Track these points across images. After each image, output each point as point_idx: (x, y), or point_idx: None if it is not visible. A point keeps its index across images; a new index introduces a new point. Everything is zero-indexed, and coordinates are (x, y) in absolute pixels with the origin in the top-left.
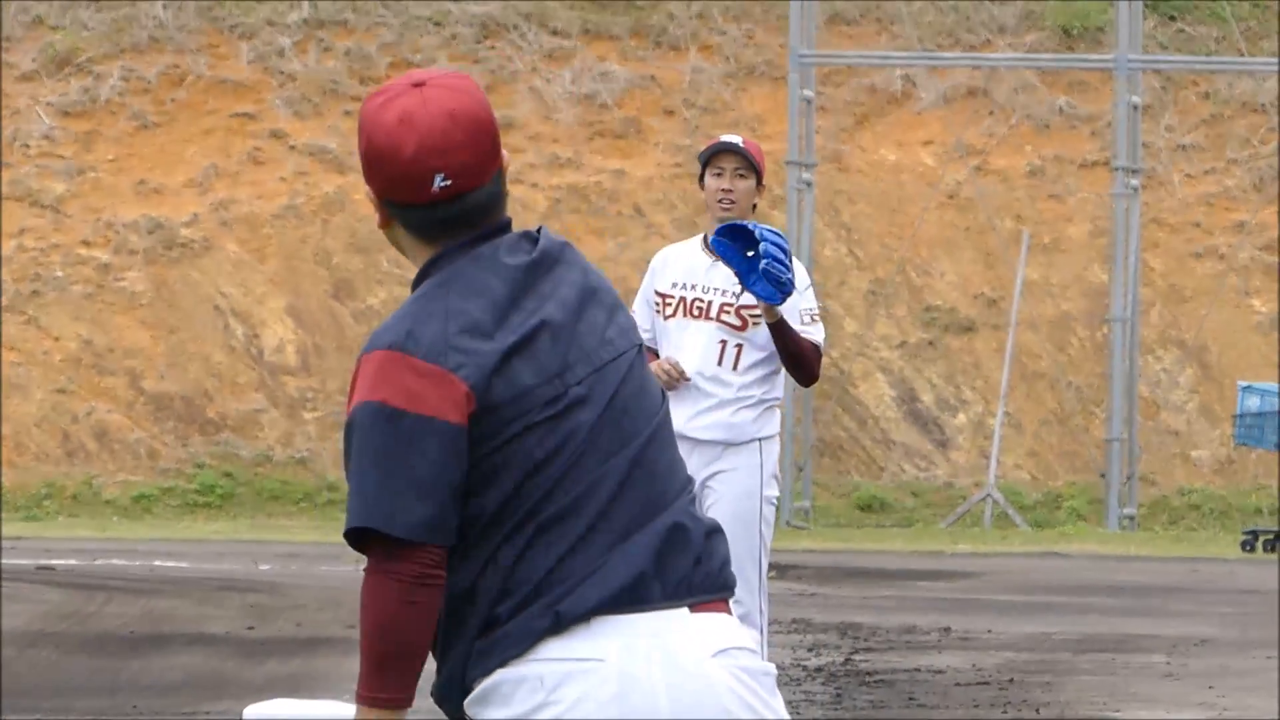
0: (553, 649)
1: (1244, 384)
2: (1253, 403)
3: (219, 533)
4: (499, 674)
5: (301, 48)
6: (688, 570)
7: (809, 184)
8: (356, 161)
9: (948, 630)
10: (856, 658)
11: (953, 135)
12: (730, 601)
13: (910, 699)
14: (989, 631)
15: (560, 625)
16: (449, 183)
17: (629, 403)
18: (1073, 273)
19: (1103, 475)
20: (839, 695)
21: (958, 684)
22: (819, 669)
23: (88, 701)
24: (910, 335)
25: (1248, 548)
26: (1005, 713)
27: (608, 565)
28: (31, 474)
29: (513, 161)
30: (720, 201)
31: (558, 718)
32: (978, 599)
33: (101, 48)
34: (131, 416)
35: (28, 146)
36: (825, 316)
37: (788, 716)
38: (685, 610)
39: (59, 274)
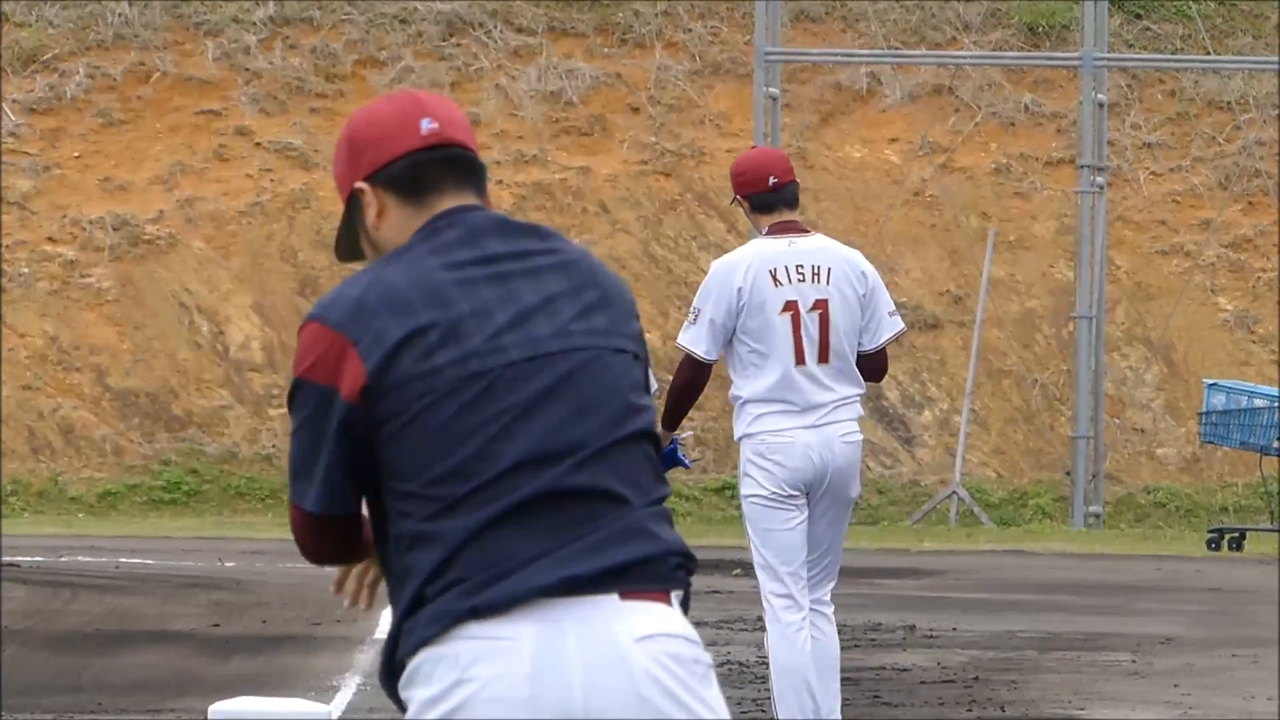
0: (472, 629)
1: (1210, 381)
2: (1218, 400)
3: (184, 529)
4: (422, 654)
5: (267, 45)
6: (625, 563)
7: None
8: (323, 159)
9: (913, 628)
10: None
11: (918, 133)
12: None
13: (875, 697)
14: (954, 629)
15: (480, 610)
16: (436, 125)
17: (586, 401)
18: (1038, 270)
19: (1068, 473)
20: None
21: (923, 682)
22: None
23: (53, 699)
24: None
25: (1213, 546)
26: (970, 711)
27: (536, 552)
28: None
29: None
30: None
31: (472, 695)
32: (943, 597)
33: (67, 45)
34: (97, 413)
35: None
36: None
37: (721, 708)
38: (615, 597)
39: (25, 270)
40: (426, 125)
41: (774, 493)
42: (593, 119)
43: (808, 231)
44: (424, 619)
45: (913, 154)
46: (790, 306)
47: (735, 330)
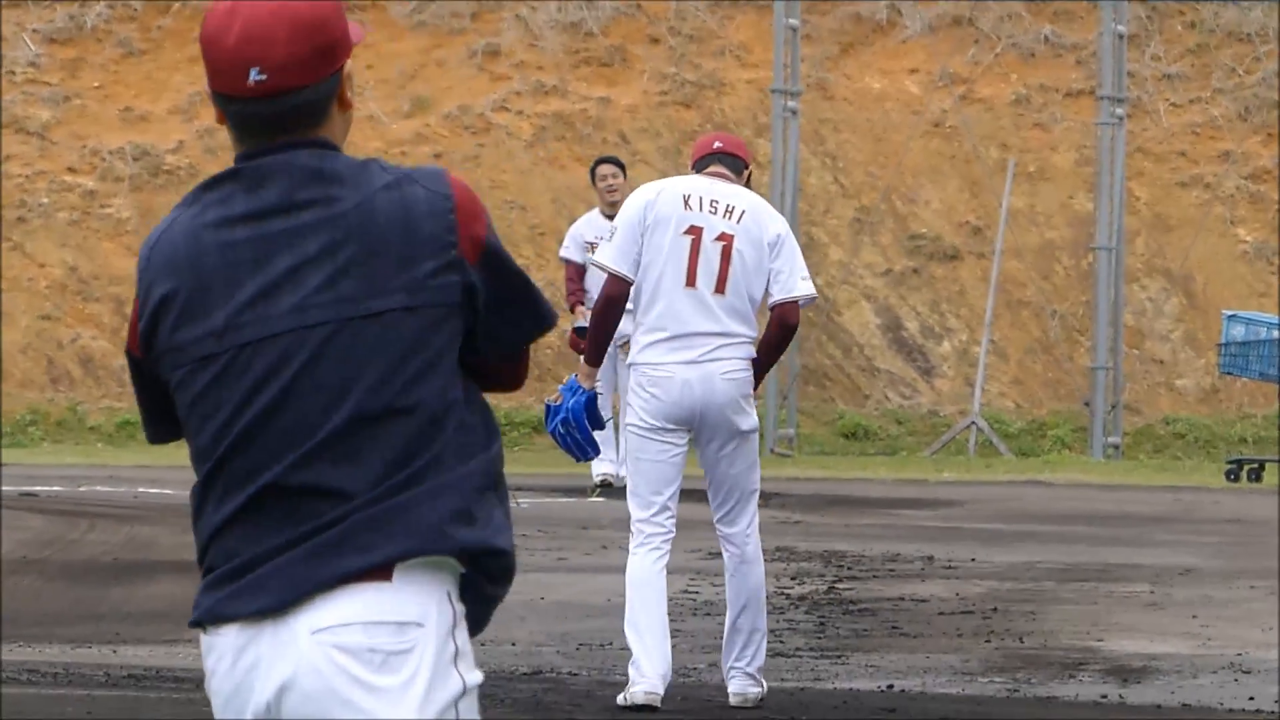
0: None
1: (1229, 313)
2: (1237, 331)
3: None
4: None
5: None
6: (332, 578)
7: (794, 112)
8: None
9: (931, 559)
10: (840, 586)
11: (938, 64)
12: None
13: (893, 628)
14: (972, 560)
15: (199, 623)
16: (264, 78)
17: (316, 385)
18: (1058, 201)
19: (1087, 404)
20: (822, 624)
21: (941, 613)
22: (802, 597)
23: (71, 629)
24: (895, 263)
25: (1232, 477)
26: (989, 641)
27: (257, 552)
28: (16, 401)
29: (498, 89)
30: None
31: (209, 686)
32: (961, 527)
33: None
34: (116, 343)
35: (14, 74)
36: (811, 244)
37: (402, 695)
38: (312, 588)
39: (44, 201)
40: (255, 76)
41: (650, 424)
42: (613, 50)
43: (736, 184)
44: (197, 595)
45: (932, 85)
46: (693, 230)
47: (641, 250)
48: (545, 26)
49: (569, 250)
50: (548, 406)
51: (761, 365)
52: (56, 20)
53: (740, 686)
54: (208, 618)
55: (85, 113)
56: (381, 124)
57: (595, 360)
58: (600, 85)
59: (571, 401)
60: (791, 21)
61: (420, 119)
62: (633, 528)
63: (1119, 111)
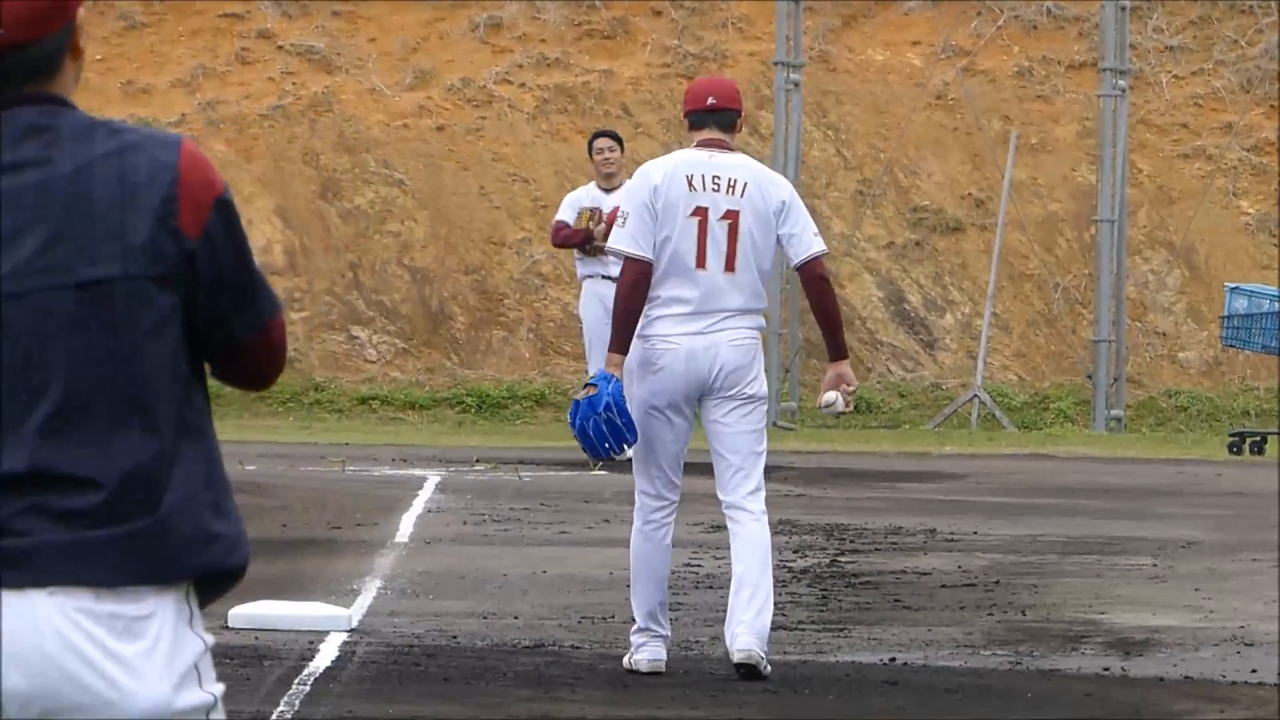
0: None
1: (1231, 285)
2: (1240, 304)
3: None
4: None
5: None
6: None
7: (796, 84)
8: (345, 62)
9: (934, 532)
10: (842, 559)
11: (940, 36)
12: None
13: (896, 601)
14: (975, 533)
15: None
16: (1, 32)
17: (18, 361)
18: (1060, 173)
19: (1090, 376)
20: (825, 597)
21: (944, 586)
22: (805, 570)
23: None
24: (898, 236)
25: (1235, 450)
26: (991, 614)
27: None
28: None
29: (500, 62)
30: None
31: None
32: (964, 500)
33: None
34: None
35: None
36: (813, 217)
37: (141, 664)
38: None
39: None
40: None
41: (658, 400)
42: (615, 22)
43: (733, 150)
44: None
45: (935, 57)
46: (700, 212)
47: (655, 230)
48: None
49: (563, 213)
50: (575, 403)
51: (831, 330)
52: None
53: (745, 644)
54: None
55: (87, 86)
56: (384, 96)
57: (623, 348)
58: (603, 58)
59: (610, 387)
60: None
61: (422, 92)
62: (637, 500)
63: (1121, 83)
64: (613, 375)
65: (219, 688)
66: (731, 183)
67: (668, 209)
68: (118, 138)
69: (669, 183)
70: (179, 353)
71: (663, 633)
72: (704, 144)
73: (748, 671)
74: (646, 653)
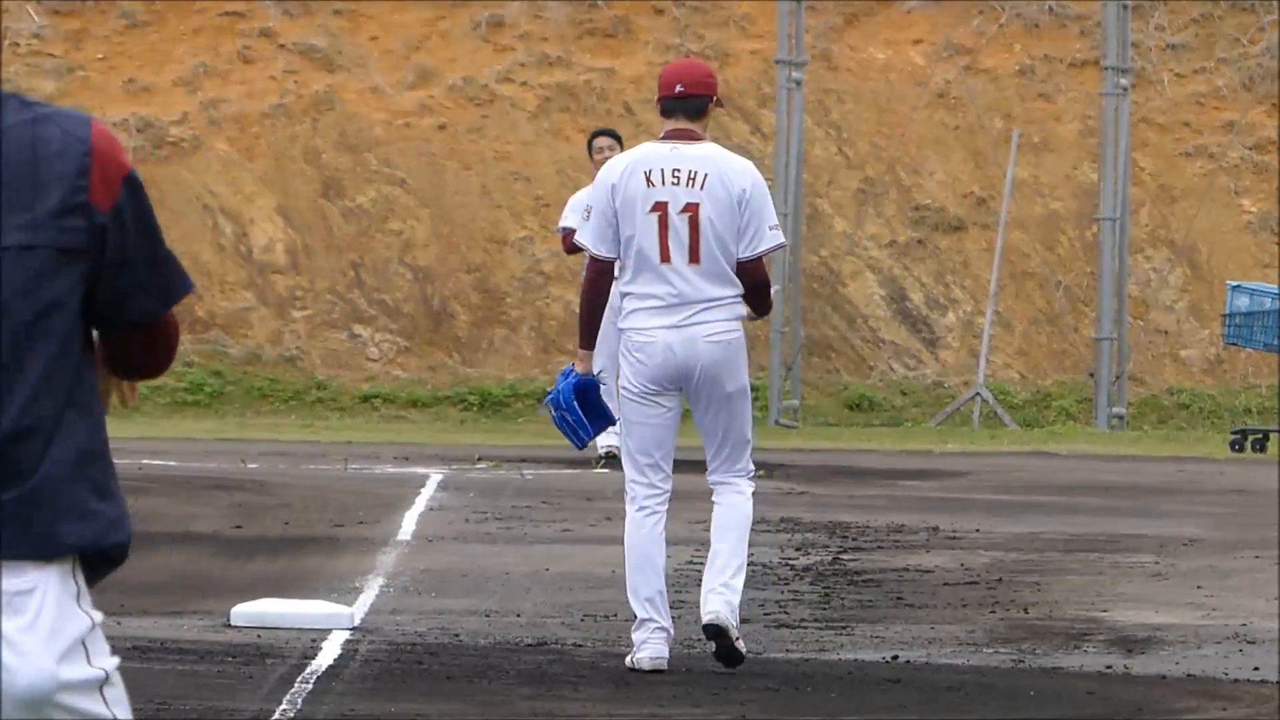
0: None
1: (1233, 283)
2: (1242, 302)
3: (207, 431)
4: None
5: None
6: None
7: (798, 83)
8: (347, 60)
9: (936, 530)
10: (844, 557)
11: (942, 34)
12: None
13: (898, 598)
14: (977, 531)
15: None
16: None
17: None
18: (1062, 172)
19: (1092, 375)
20: (827, 594)
21: (946, 583)
22: (807, 568)
23: None
24: (900, 234)
25: (1236, 448)
26: (993, 612)
27: None
28: None
29: (502, 60)
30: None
31: None
32: (966, 498)
33: None
34: None
35: (17, 45)
36: (815, 216)
37: (23, 638)
38: None
39: None
40: None
41: (639, 387)
42: (617, 20)
43: (699, 139)
44: None
45: (937, 56)
46: (659, 207)
47: (616, 229)
48: None
49: (567, 220)
50: (547, 395)
51: (755, 315)
52: None
53: (713, 606)
54: None
55: (89, 84)
56: (386, 95)
57: (588, 343)
58: (604, 56)
59: (563, 384)
60: None
61: (424, 90)
62: (627, 489)
63: (1123, 82)
64: (572, 369)
65: (111, 662)
66: (692, 175)
67: (626, 206)
68: (30, 110)
69: (626, 181)
70: (74, 327)
71: (664, 624)
72: (669, 135)
73: (715, 633)
74: (648, 650)
